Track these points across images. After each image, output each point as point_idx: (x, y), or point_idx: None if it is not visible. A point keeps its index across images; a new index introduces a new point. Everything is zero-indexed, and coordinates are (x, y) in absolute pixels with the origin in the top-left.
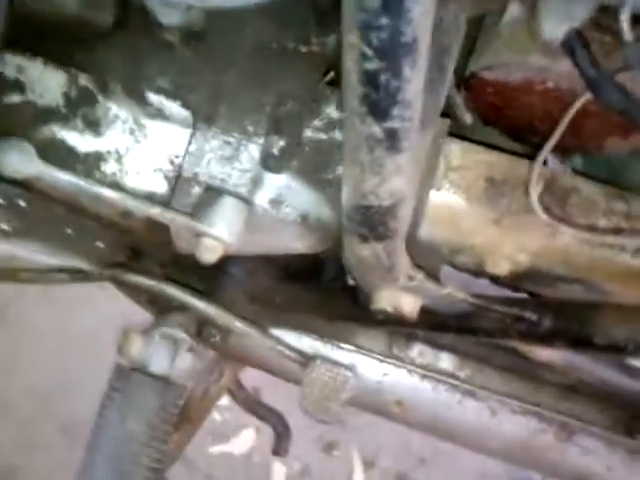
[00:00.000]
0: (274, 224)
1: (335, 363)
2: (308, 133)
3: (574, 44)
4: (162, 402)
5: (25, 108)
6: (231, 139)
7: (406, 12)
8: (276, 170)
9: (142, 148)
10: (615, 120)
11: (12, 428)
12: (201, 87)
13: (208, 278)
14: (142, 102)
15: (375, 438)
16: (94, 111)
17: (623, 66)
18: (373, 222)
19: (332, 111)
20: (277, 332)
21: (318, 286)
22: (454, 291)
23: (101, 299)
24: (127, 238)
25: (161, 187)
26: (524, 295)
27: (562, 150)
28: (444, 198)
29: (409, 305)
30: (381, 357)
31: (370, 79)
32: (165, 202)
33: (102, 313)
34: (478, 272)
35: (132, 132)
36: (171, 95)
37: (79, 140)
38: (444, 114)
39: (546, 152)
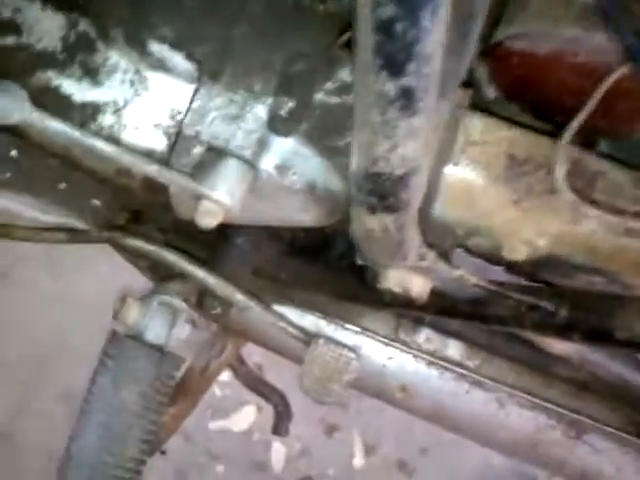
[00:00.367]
0: (279, 192)
1: (338, 343)
2: (319, 96)
3: (612, 9)
4: (157, 372)
5: (20, 51)
6: (237, 97)
7: None
8: (283, 133)
9: (142, 101)
10: None
11: (9, 393)
12: (208, 39)
13: (211, 247)
14: (144, 52)
15: (378, 424)
16: (93, 58)
17: None
18: (383, 191)
19: (346, 75)
20: (280, 308)
21: (325, 263)
22: (466, 275)
23: (103, 263)
24: (125, 199)
25: (160, 144)
26: (540, 283)
27: (589, 132)
28: (461, 174)
29: (418, 286)
30: (387, 340)
31: (385, 27)
32: (164, 160)
33: (105, 277)
34: (493, 257)
35: (132, 84)
36: (175, 46)
37: (76, 88)
38: (466, 85)
39: (573, 130)
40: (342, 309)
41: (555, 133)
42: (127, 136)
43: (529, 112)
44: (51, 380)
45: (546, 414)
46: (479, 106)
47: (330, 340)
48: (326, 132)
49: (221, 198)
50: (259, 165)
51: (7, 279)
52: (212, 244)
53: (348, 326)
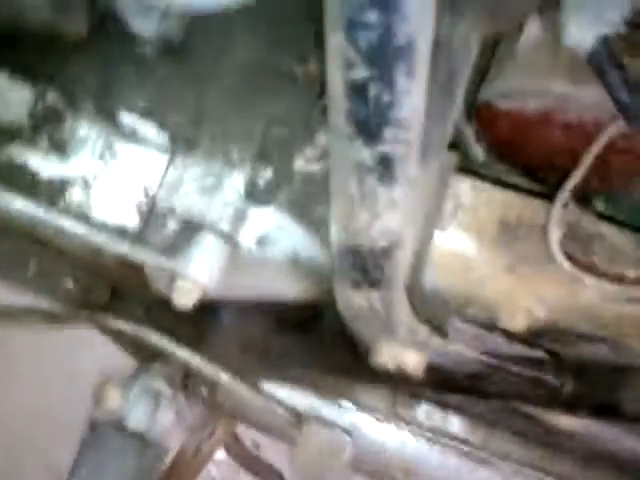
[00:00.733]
0: (260, 265)
1: (332, 424)
2: (300, 163)
3: (604, 60)
4: (139, 464)
5: None
6: (213, 166)
7: (400, 6)
8: (263, 203)
9: (113, 174)
10: None
11: None
12: (181, 107)
13: (199, 324)
14: (114, 122)
15: None
16: (61, 131)
17: None
18: (366, 266)
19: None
20: (270, 386)
21: (316, 336)
22: (464, 348)
23: (94, 340)
24: (102, 276)
25: (133, 220)
26: (542, 354)
27: (584, 190)
28: (452, 241)
29: (413, 362)
30: (383, 418)
31: (357, 91)
32: (137, 237)
33: (94, 354)
34: (491, 327)
35: (102, 156)
36: (147, 115)
37: (43, 163)
38: (453, 147)
39: (567, 192)
40: (335, 384)
41: (548, 193)
42: (97, 213)
43: (520, 172)
44: (37, 451)
45: None
46: (467, 168)
47: (323, 420)
48: (308, 201)
49: (197, 276)
50: (238, 238)
51: None
52: (200, 321)
53: (343, 402)
